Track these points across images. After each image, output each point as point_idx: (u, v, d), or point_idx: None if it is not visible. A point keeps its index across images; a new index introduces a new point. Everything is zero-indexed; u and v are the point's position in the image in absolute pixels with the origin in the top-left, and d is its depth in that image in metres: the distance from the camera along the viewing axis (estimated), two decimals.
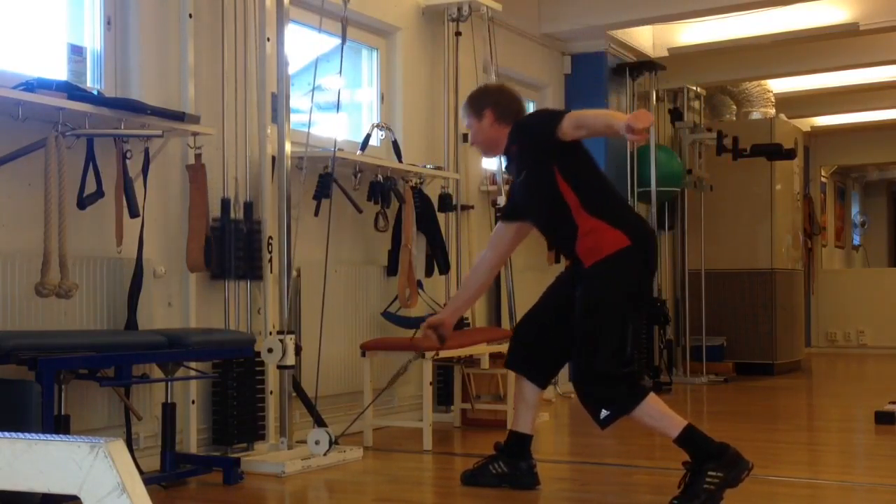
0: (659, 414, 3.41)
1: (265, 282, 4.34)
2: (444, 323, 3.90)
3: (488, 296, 6.27)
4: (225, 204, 4.25)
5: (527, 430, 3.75)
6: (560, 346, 3.64)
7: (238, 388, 4.21)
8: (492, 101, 3.78)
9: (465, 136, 6.04)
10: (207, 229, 4.03)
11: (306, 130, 4.52)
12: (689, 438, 3.35)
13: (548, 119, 3.64)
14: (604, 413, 3.43)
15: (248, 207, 4.34)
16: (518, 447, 3.74)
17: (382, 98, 5.65)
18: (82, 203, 3.58)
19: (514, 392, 3.79)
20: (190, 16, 4.17)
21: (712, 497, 3.25)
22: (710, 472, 3.25)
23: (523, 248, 6.52)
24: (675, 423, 3.38)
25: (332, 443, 4.09)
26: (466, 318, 5.77)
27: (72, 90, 3.48)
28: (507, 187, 5.76)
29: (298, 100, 4.82)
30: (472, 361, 5.28)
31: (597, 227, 3.50)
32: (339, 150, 4.59)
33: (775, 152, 8.26)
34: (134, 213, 3.67)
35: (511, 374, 5.15)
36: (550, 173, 3.54)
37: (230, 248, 4.22)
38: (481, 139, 3.81)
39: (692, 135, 8.34)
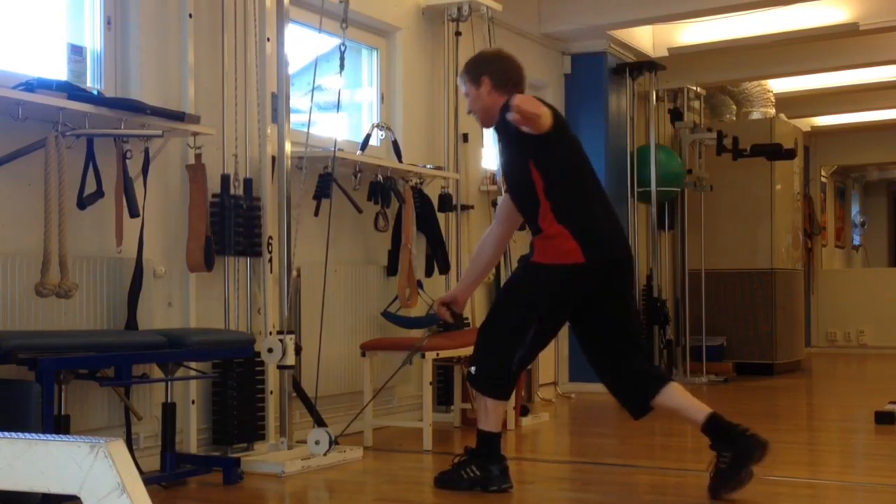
0: (495, 415, 3.65)
1: (265, 282, 4.34)
2: (457, 300, 3.93)
3: (488, 295, 6.26)
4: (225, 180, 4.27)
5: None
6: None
7: (238, 388, 4.21)
8: (490, 68, 3.67)
9: (465, 136, 6.04)
10: (207, 229, 4.03)
11: (306, 130, 4.52)
12: (487, 440, 3.63)
13: None
14: (473, 370, 3.66)
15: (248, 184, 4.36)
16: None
17: (382, 98, 5.65)
18: (82, 203, 3.58)
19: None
20: (190, 16, 4.17)
21: (458, 484, 3.64)
22: (472, 466, 3.64)
23: (523, 248, 6.53)
24: (495, 425, 3.65)
25: (332, 443, 4.09)
26: (466, 318, 5.77)
27: (72, 90, 3.48)
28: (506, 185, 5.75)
29: (298, 100, 4.82)
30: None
31: (558, 235, 3.48)
32: (339, 150, 4.59)
33: (775, 152, 8.26)
34: (134, 213, 3.67)
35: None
36: (526, 169, 3.50)
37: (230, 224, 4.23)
38: (479, 107, 3.70)
39: (692, 135, 8.34)
